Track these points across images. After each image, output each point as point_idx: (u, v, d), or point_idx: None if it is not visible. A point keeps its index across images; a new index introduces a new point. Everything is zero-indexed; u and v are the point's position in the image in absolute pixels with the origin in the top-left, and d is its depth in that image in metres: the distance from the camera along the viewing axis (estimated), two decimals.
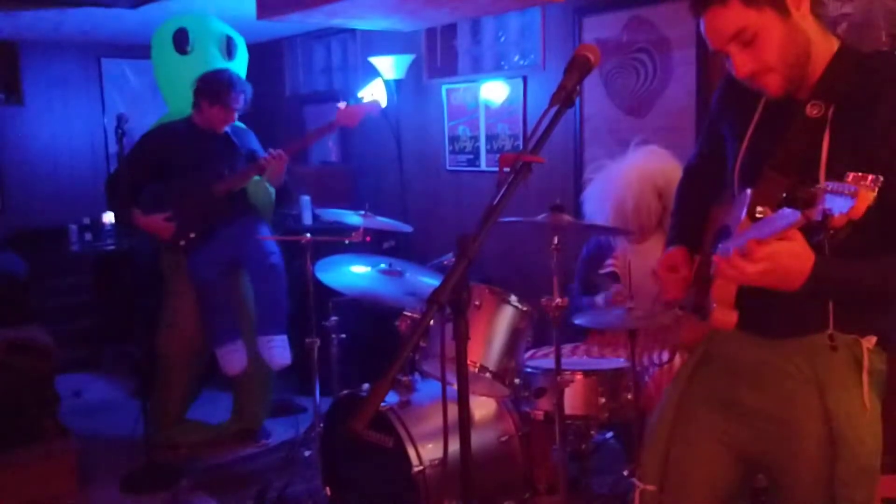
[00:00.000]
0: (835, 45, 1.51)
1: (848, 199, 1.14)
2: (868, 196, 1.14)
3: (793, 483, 1.58)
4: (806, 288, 1.34)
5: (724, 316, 1.46)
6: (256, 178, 3.79)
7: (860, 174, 1.16)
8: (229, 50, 4.39)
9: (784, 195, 1.23)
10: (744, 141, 1.60)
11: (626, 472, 2.70)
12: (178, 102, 4.14)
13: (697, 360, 1.74)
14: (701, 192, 1.85)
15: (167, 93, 4.42)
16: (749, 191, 1.44)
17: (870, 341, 1.52)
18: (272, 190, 3.95)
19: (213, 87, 3.70)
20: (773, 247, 1.29)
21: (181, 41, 4.24)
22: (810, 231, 1.25)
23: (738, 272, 1.32)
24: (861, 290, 1.43)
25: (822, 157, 1.44)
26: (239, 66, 4.40)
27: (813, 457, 1.53)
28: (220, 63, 4.26)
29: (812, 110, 1.46)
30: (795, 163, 1.46)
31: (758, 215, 1.39)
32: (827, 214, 1.16)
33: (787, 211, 1.24)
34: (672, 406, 1.74)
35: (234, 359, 3.73)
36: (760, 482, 1.76)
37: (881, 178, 1.15)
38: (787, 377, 1.57)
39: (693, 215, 1.82)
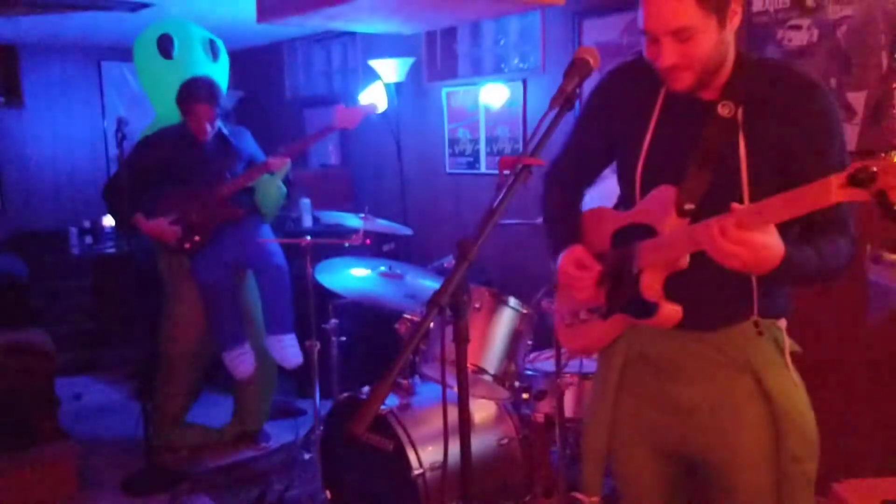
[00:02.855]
0: (734, 50, 1.57)
1: None
2: None
3: (740, 470, 1.60)
4: (774, 272, 1.38)
5: (671, 311, 1.53)
6: (267, 175, 3.78)
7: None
8: (214, 52, 4.41)
9: (849, 175, 1.21)
10: (644, 139, 1.62)
11: None
12: (167, 107, 4.14)
13: (622, 363, 1.71)
14: (572, 196, 1.87)
15: (155, 98, 4.41)
16: (671, 187, 1.52)
17: (783, 323, 1.60)
18: (283, 187, 3.94)
19: (180, 96, 3.70)
20: (752, 237, 1.33)
21: (166, 46, 4.26)
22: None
23: (727, 242, 1.34)
24: (810, 273, 1.46)
25: (740, 153, 1.51)
26: (222, 67, 4.44)
27: (758, 439, 1.58)
28: (206, 65, 4.28)
29: (723, 110, 1.53)
30: (716, 159, 1.52)
31: (686, 208, 1.49)
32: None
33: (852, 191, 1.23)
34: (605, 413, 1.73)
35: (242, 362, 3.73)
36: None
37: None
38: (721, 367, 1.60)
39: (572, 219, 1.82)
